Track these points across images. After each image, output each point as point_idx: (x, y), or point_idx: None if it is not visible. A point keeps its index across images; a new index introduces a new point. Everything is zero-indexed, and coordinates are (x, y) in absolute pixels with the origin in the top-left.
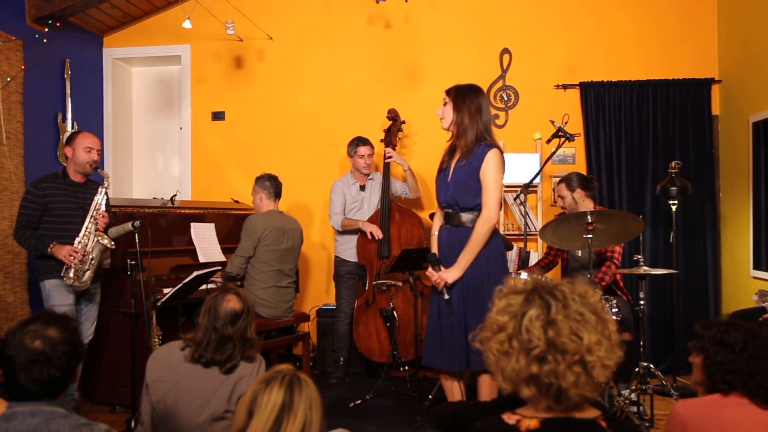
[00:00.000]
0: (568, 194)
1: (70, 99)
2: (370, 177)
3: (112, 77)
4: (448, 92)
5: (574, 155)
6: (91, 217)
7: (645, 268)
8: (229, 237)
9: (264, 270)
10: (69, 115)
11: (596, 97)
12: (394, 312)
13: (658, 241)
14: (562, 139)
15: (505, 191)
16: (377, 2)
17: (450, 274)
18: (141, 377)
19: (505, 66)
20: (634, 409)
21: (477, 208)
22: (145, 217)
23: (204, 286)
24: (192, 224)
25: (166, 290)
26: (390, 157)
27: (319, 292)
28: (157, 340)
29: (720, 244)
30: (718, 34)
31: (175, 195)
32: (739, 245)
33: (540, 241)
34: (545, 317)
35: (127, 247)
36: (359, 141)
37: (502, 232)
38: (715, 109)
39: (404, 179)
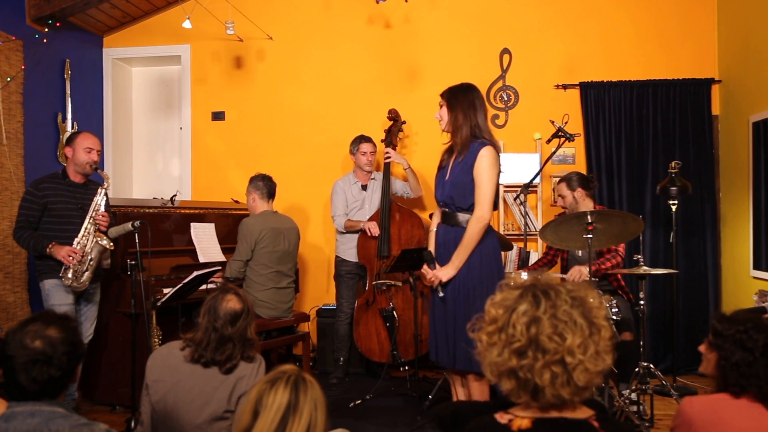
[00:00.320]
0: (568, 193)
1: (70, 99)
2: (372, 177)
3: (112, 77)
4: (442, 95)
5: (574, 155)
6: (90, 217)
7: (645, 268)
8: (229, 237)
9: (263, 272)
10: (69, 115)
11: (596, 97)
12: (394, 312)
13: (658, 241)
14: (562, 139)
15: (505, 191)
16: (377, 2)
17: (444, 273)
18: (141, 377)
19: (505, 66)
20: (634, 409)
21: (472, 208)
22: (145, 217)
23: (204, 286)
24: (192, 224)
25: (166, 290)
26: (389, 157)
27: (319, 292)
28: (157, 340)
29: (720, 244)
30: (718, 34)
31: (175, 195)
32: (739, 245)
33: (540, 241)
34: (532, 314)
35: (127, 247)
36: (361, 138)
37: (502, 232)
38: (715, 109)
39: (405, 179)
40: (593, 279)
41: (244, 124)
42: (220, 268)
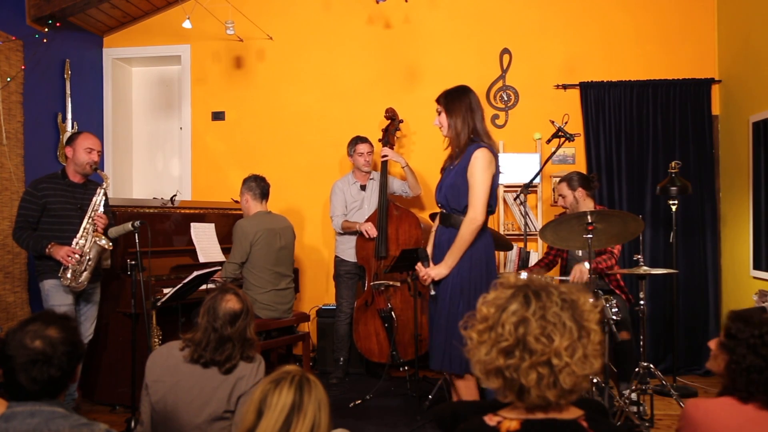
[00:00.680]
0: (569, 193)
1: (70, 99)
2: (371, 177)
3: (112, 77)
4: (438, 101)
5: (574, 155)
6: (89, 217)
7: (645, 268)
8: (229, 237)
9: (261, 274)
10: (69, 115)
11: (596, 97)
12: (392, 312)
13: (658, 241)
14: (562, 139)
15: (505, 191)
16: (377, 2)
17: (435, 271)
18: (141, 377)
19: (505, 66)
20: (634, 409)
21: (466, 210)
22: (145, 217)
23: (204, 286)
24: (192, 224)
25: (166, 290)
26: (385, 156)
27: (319, 292)
28: (157, 340)
29: (720, 244)
30: (718, 34)
31: (175, 195)
32: (739, 245)
33: (540, 241)
34: (521, 314)
35: (127, 247)
36: (358, 139)
37: (502, 232)
38: (715, 109)
39: (404, 178)
40: (593, 276)
41: (244, 124)
42: (220, 268)
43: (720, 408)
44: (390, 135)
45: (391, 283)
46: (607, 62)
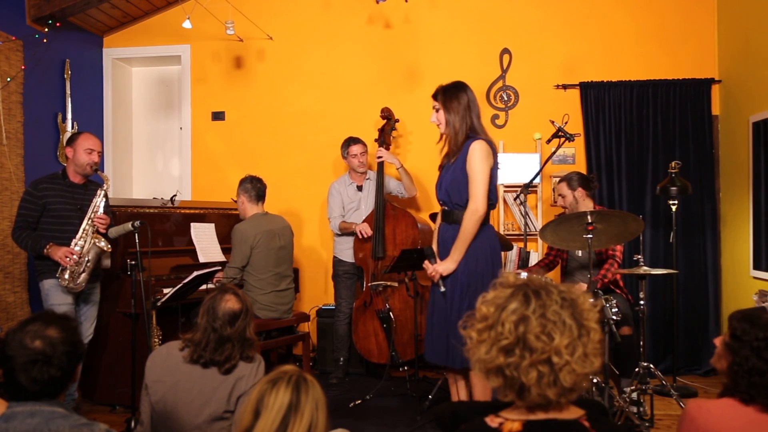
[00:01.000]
0: (569, 193)
1: (70, 99)
2: (367, 177)
3: (112, 77)
4: (435, 97)
5: (574, 155)
6: (89, 219)
7: (645, 268)
8: (229, 237)
9: (262, 276)
10: (69, 115)
11: (596, 97)
12: (391, 313)
13: (658, 241)
14: (562, 139)
15: (505, 191)
16: (377, 2)
17: (443, 266)
18: (141, 377)
19: (505, 66)
20: (635, 409)
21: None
22: (145, 217)
23: (204, 286)
24: (192, 224)
25: (166, 290)
26: (381, 157)
27: (319, 292)
28: (157, 340)
29: (720, 244)
30: (718, 34)
31: (175, 195)
32: (739, 245)
33: (540, 241)
34: (521, 313)
35: (127, 247)
36: (350, 141)
37: (502, 232)
38: (715, 109)
39: (399, 178)
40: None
41: (244, 124)
42: (220, 268)
43: (722, 409)
44: (386, 135)
45: (388, 283)
46: (607, 62)
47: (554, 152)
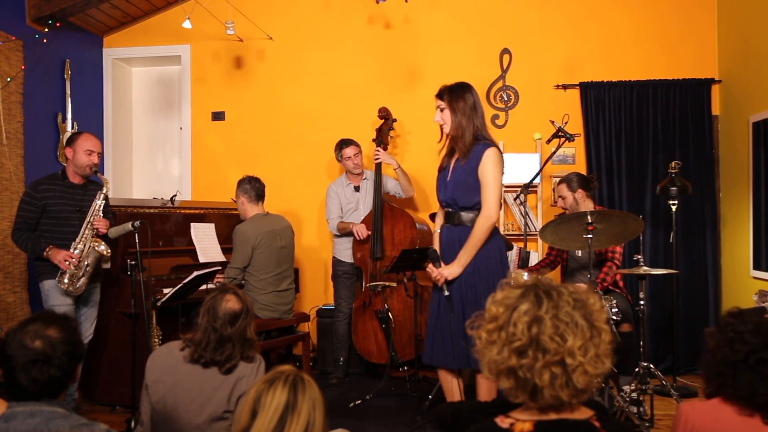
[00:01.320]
0: (569, 194)
1: (70, 99)
2: (364, 177)
3: (112, 77)
4: (440, 96)
5: (574, 155)
6: (89, 222)
7: (645, 268)
8: (229, 237)
9: (263, 276)
10: (69, 116)
11: (596, 97)
12: (389, 313)
13: (658, 241)
14: (562, 139)
15: (505, 191)
16: (377, 2)
17: (449, 271)
18: (141, 377)
19: (505, 66)
20: (635, 409)
21: (476, 207)
22: (145, 217)
23: (204, 286)
24: (192, 224)
25: (166, 290)
26: (378, 157)
27: (319, 293)
28: (157, 340)
29: (720, 244)
30: (718, 34)
31: (175, 195)
32: (739, 245)
33: (540, 241)
34: (533, 314)
35: (127, 248)
36: (343, 143)
37: (502, 232)
38: (715, 109)
39: (397, 178)
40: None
41: (244, 124)
42: (220, 268)
43: (715, 411)
44: (384, 135)
45: (387, 284)
46: (607, 62)
47: (554, 152)
